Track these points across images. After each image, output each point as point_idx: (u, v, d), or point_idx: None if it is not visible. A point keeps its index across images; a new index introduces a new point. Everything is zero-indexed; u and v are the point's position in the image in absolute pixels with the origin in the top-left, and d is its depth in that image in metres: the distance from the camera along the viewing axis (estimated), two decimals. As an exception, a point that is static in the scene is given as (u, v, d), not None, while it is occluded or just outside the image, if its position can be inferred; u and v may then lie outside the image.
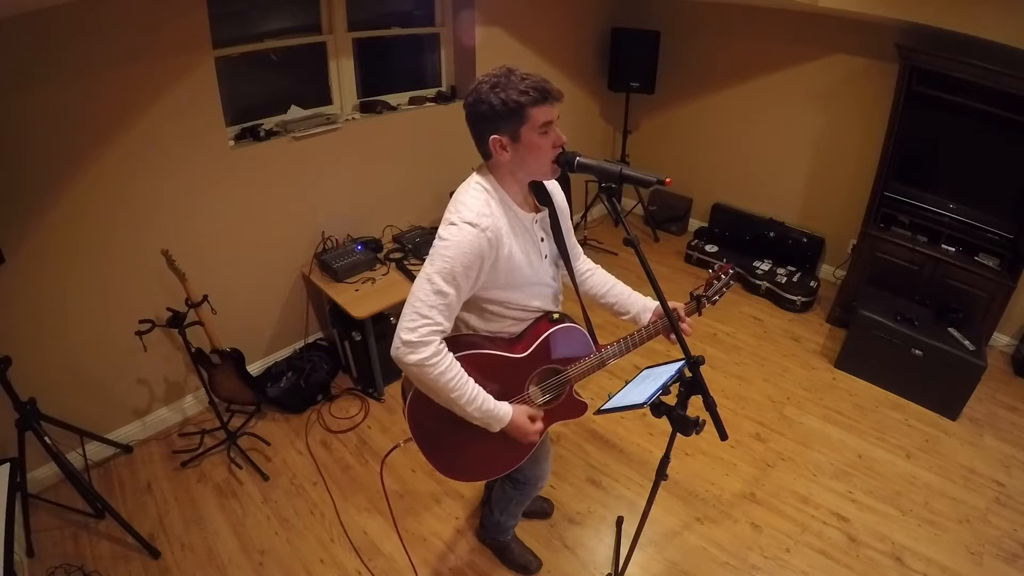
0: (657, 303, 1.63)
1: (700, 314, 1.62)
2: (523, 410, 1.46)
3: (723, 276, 1.65)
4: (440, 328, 1.27)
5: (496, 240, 1.29)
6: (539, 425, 1.49)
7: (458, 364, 1.31)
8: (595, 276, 1.68)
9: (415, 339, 1.24)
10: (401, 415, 1.50)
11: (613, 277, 1.70)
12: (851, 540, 2.25)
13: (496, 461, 1.58)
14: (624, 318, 1.66)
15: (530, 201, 1.45)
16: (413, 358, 1.24)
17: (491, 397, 1.37)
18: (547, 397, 1.56)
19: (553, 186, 1.51)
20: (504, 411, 1.39)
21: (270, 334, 3.07)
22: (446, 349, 1.29)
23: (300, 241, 2.98)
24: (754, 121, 4.07)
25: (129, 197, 2.33)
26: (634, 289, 1.67)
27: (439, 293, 1.25)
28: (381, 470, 1.72)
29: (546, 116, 1.25)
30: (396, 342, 1.26)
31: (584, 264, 1.68)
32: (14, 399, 1.98)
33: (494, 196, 1.33)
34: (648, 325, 1.56)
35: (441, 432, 1.47)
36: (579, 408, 1.65)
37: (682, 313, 1.53)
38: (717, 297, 1.66)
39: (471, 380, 1.33)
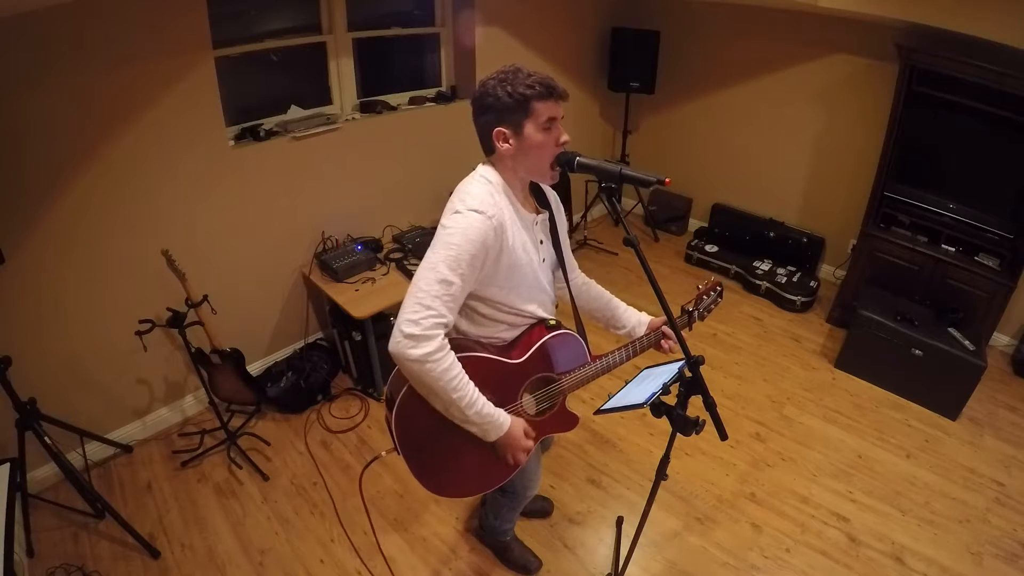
0: (651, 318, 1.65)
1: (690, 328, 1.62)
2: (521, 423, 1.40)
3: (712, 293, 1.66)
4: (444, 320, 1.20)
5: (501, 230, 1.27)
6: (531, 443, 1.43)
7: (459, 363, 1.24)
8: (592, 288, 1.68)
9: (418, 332, 1.16)
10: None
11: (607, 292, 1.71)
12: (851, 540, 2.25)
13: (485, 476, 1.51)
14: (620, 332, 1.67)
15: (531, 202, 1.44)
16: (416, 353, 1.15)
17: (490, 402, 1.32)
18: (540, 407, 1.52)
19: (554, 197, 1.51)
20: (504, 419, 1.34)
21: (270, 334, 3.07)
22: (449, 346, 1.22)
23: (300, 241, 2.98)
24: (754, 121, 4.07)
25: (129, 197, 2.33)
26: (634, 289, 1.67)
27: (444, 282, 1.19)
28: (360, 483, 1.69)
29: (550, 112, 1.27)
30: (396, 335, 1.17)
31: (580, 276, 1.68)
32: (14, 399, 1.98)
33: (498, 188, 1.32)
34: (642, 337, 1.57)
35: (430, 441, 1.39)
36: (570, 421, 1.60)
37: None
38: (707, 313, 1.66)
39: (471, 381, 1.26)
